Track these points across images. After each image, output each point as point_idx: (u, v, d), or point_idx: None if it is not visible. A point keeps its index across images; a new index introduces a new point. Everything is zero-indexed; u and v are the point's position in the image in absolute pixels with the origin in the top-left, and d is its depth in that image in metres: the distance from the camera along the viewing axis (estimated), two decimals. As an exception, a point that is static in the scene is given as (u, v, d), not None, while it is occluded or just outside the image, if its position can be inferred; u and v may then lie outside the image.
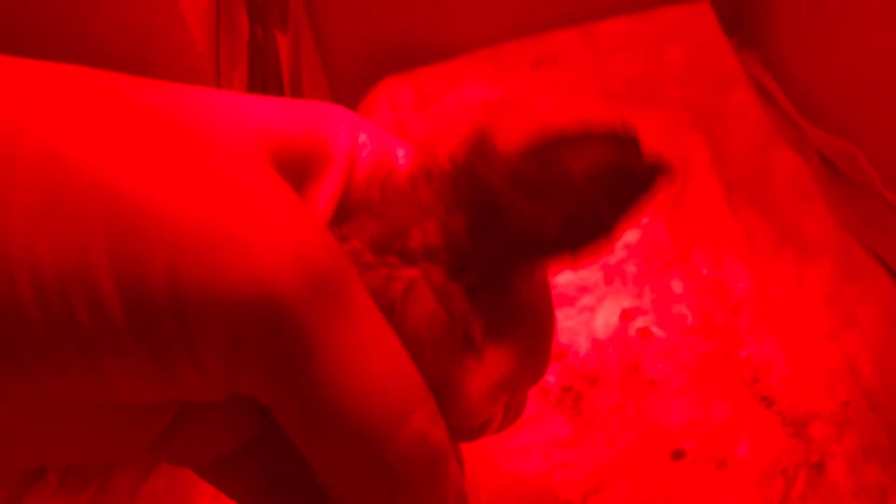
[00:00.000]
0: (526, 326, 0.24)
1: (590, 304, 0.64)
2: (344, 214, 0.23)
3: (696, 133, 0.73)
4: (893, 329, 0.61)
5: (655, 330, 0.62)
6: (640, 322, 0.63)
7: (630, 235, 0.67)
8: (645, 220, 0.68)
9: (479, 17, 0.77)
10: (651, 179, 0.23)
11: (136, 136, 0.18)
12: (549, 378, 0.61)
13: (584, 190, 0.22)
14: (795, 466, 0.56)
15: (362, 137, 0.24)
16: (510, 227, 0.22)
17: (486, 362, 0.23)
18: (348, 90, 0.76)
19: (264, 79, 0.51)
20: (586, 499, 0.56)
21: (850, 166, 0.68)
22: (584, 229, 0.22)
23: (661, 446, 0.57)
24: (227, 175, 0.18)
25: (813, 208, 0.68)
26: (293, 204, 0.19)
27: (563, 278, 0.65)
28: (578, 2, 0.77)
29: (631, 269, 0.65)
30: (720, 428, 0.57)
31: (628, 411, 0.59)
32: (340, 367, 0.18)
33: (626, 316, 0.63)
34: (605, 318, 0.63)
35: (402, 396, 0.19)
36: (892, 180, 0.64)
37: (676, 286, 0.64)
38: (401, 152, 0.25)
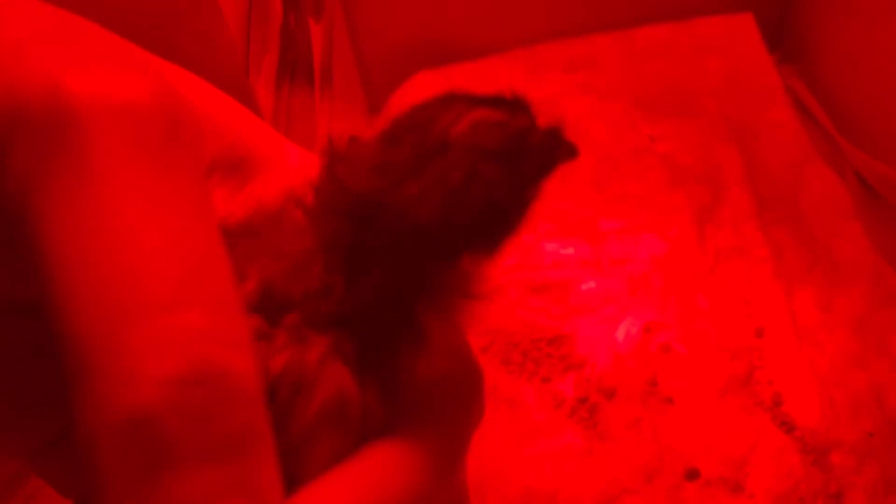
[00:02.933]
0: (426, 414, 0.19)
1: (612, 314, 0.63)
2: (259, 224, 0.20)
3: (730, 146, 0.71)
4: (924, 360, 0.60)
5: (677, 346, 0.61)
6: (662, 336, 0.61)
7: (657, 247, 0.66)
8: (673, 232, 0.66)
9: (515, 16, 0.76)
10: (547, 142, 0.19)
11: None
12: (565, 389, 0.60)
13: (464, 156, 0.18)
14: (813, 495, 0.54)
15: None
16: (387, 226, 0.18)
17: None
18: (380, 82, 0.75)
19: (294, 66, 0.50)
20: (596, 513, 0.55)
21: (888, 189, 0.66)
22: (475, 203, 0.18)
23: (675, 465, 0.56)
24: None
25: (847, 230, 0.66)
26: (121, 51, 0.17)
27: (587, 286, 0.64)
28: (617, 7, 0.76)
29: (657, 281, 0.64)
30: (737, 450, 0.56)
31: (644, 427, 0.58)
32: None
33: (649, 329, 0.62)
34: (627, 330, 0.62)
35: (174, 276, 0.15)
36: (932, 207, 0.62)
37: (702, 302, 0.63)
38: None
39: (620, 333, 0.62)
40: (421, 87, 0.76)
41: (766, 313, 0.62)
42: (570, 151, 0.20)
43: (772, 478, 0.55)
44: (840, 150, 0.70)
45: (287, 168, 0.20)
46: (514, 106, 0.19)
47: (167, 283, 0.15)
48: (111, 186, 0.15)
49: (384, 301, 0.18)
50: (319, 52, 0.58)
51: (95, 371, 0.14)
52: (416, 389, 0.19)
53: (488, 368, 0.61)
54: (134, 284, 0.15)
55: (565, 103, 0.75)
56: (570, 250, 0.66)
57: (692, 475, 0.55)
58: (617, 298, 0.63)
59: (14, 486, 0.54)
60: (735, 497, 0.54)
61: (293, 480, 0.17)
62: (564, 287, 0.64)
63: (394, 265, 0.18)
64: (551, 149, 0.19)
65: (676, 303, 0.63)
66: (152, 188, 0.15)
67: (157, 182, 0.16)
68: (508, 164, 0.18)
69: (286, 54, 0.48)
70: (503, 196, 0.18)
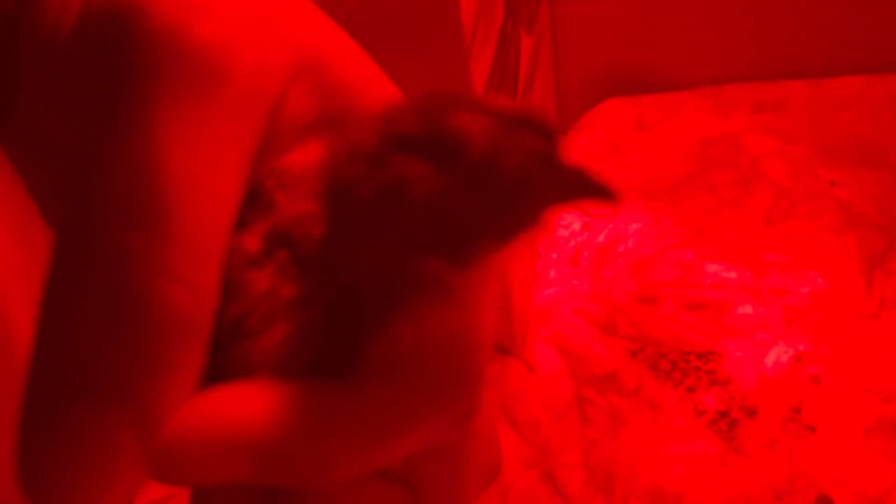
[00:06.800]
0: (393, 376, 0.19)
1: (764, 340, 0.65)
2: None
3: (913, 201, 0.71)
4: None
5: (827, 379, 0.62)
6: (812, 368, 0.63)
7: (819, 284, 0.67)
8: (838, 273, 0.67)
9: (708, 55, 0.80)
10: (543, 170, 0.18)
11: None
12: (708, 401, 0.62)
13: (415, 157, 0.18)
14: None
15: None
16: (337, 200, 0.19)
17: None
18: (572, 101, 0.82)
19: (504, 68, 0.58)
20: (720, 519, 0.57)
21: None
22: (414, 204, 0.18)
23: (807, 489, 0.57)
24: None
25: None
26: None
27: (743, 310, 0.67)
28: (811, 54, 0.78)
29: (814, 316, 0.65)
30: (875, 488, 0.56)
31: (780, 449, 0.59)
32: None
33: (800, 359, 0.63)
34: (777, 357, 0.64)
35: (142, 198, 0.17)
36: None
37: (860, 343, 0.63)
38: None
39: (770, 359, 0.64)
40: (609, 113, 0.81)
41: (928, 365, 0.62)
42: (596, 190, 0.19)
43: (908, 521, 0.55)
44: None
45: None
46: (520, 123, 0.18)
47: (144, 203, 0.17)
48: (146, 118, 0.17)
49: (360, 273, 0.19)
50: (525, 64, 0.65)
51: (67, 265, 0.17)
52: (375, 360, 0.19)
53: (636, 371, 0.65)
54: (120, 198, 0.17)
55: (748, 142, 0.78)
56: (732, 274, 0.68)
57: (824, 501, 0.56)
58: (771, 326, 0.65)
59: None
60: (866, 531, 0.55)
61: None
62: (720, 308, 0.67)
63: (368, 246, 0.18)
64: (553, 180, 0.18)
65: (832, 339, 0.64)
66: (181, 131, 0.17)
67: (188, 128, 0.17)
68: (465, 174, 0.18)
69: (500, 55, 0.56)
70: (449, 206, 0.18)
